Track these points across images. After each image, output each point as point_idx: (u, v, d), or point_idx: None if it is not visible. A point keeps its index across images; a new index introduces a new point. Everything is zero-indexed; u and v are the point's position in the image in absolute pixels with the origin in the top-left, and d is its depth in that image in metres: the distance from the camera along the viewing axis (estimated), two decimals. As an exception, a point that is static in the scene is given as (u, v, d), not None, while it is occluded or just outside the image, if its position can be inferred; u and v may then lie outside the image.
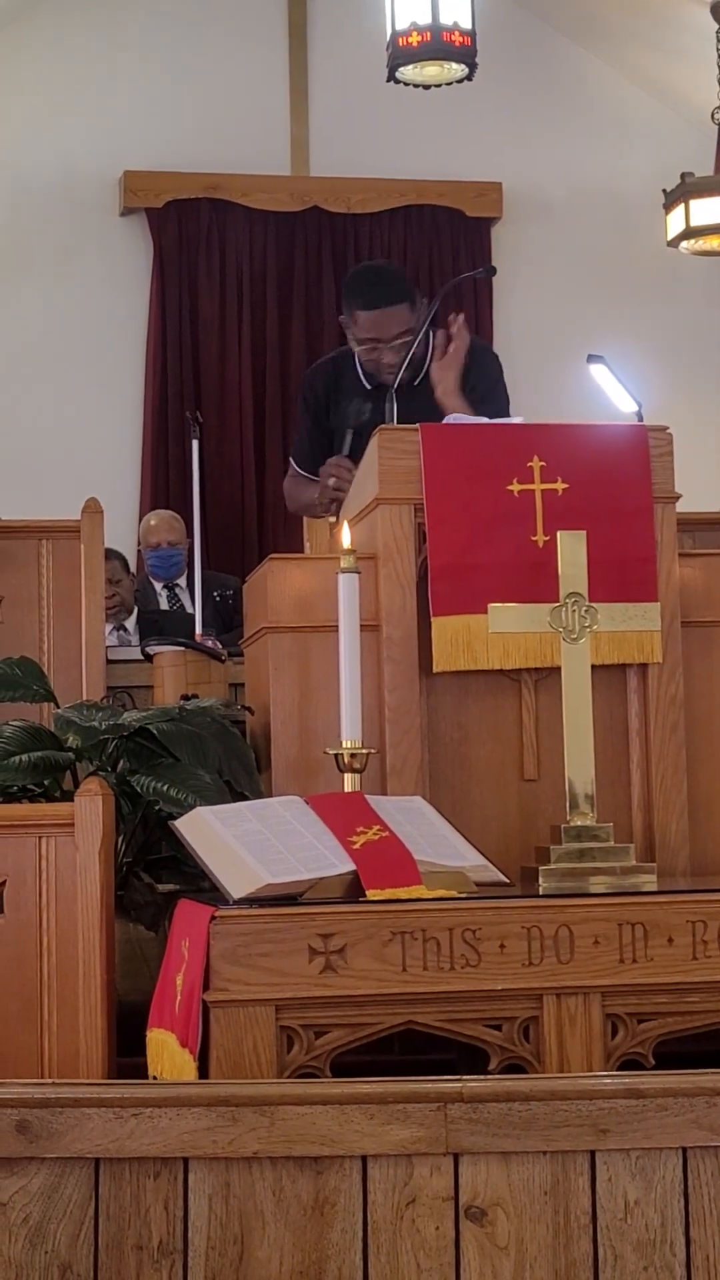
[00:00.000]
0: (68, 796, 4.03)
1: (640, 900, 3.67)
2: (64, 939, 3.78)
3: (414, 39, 6.76)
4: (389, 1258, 2.90)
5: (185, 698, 4.71)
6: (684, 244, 9.53)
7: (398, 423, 4.86)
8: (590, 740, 3.92)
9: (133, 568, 8.37)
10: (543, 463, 4.22)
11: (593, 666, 4.00)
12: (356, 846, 3.67)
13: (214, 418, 9.43)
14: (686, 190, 9.46)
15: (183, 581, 8.09)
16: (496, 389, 5.40)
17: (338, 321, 5.60)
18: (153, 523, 8.33)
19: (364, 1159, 2.93)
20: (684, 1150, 2.93)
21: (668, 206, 9.62)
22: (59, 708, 4.41)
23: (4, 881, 3.80)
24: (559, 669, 3.99)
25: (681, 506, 4.36)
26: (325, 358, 5.90)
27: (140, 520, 8.82)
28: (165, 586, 8.16)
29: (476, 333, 9.44)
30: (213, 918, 3.51)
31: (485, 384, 5.38)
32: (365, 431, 4.79)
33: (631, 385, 6.62)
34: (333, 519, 5.15)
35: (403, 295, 5.29)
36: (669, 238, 9.63)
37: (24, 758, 4.13)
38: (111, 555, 7.16)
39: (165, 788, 4.06)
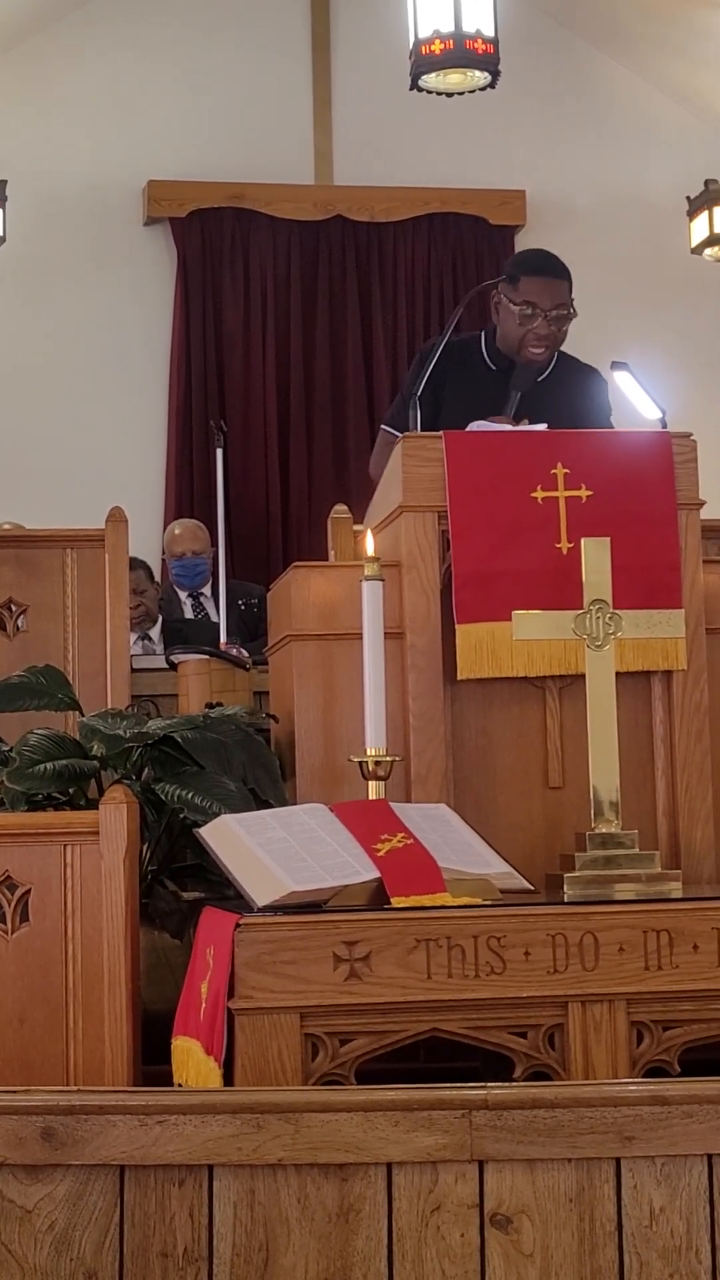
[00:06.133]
0: (92, 805, 4.04)
1: (665, 907, 3.67)
2: (89, 947, 3.78)
3: (437, 47, 6.77)
4: (414, 1265, 2.90)
5: (210, 706, 4.71)
6: (708, 251, 9.55)
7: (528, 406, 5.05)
8: (615, 747, 3.92)
9: (157, 577, 8.37)
10: (566, 470, 4.22)
11: (617, 673, 4.00)
12: (381, 854, 3.67)
13: (238, 426, 9.44)
14: (710, 197, 9.48)
15: (207, 590, 8.10)
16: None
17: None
18: (177, 532, 8.34)
19: (389, 1166, 2.93)
20: (709, 1157, 2.93)
21: (691, 213, 9.65)
22: (84, 716, 4.42)
23: (29, 889, 3.80)
24: (583, 676, 3.98)
25: (706, 513, 4.36)
26: (447, 335, 5.87)
27: (165, 529, 8.84)
28: (190, 595, 8.17)
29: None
30: (237, 925, 3.52)
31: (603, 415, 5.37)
32: (529, 396, 5.03)
33: (655, 392, 6.61)
34: None
35: (567, 275, 5.34)
36: (693, 245, 9.65)
37: (49, 766, 4.14)
38: (136, 564, 7.16)
39: (190, 795, 4.06)
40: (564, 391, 5.26)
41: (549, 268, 5.33)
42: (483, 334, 5.40)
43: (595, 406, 5.33)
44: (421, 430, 5.18)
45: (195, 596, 8.16)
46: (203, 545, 8.15)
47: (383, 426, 5.51)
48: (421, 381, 4.77)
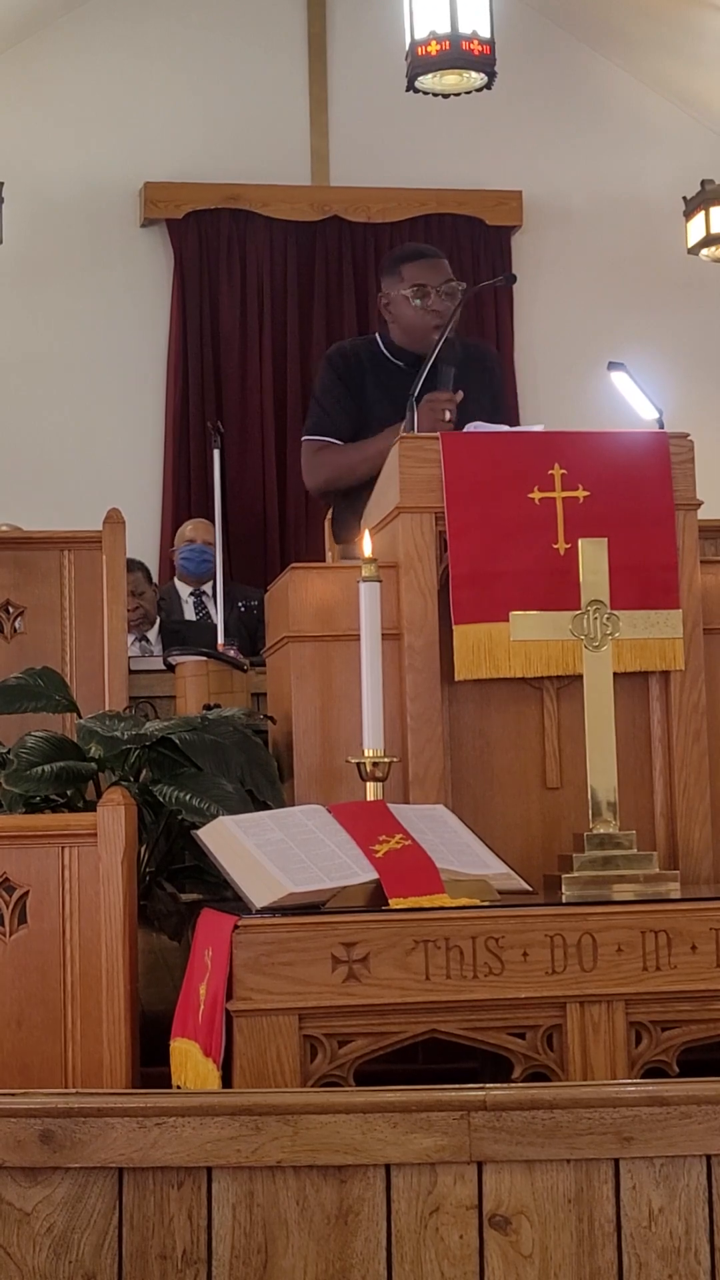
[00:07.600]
0: (90, 807, 4.04)
1: (663, 908, 3.67)
2: (87, 949, 3.78)
3: (433, 48, 6.78)
4: (413, 1266, 2.90)
5: (207, 707, 4.71)
6: (704, 251, 9.55)
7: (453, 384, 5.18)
8: (613, 748, 3.92)
9: (156, 578, 8.38)
10: (564, 470, 4.22)
11: (615, 674, 4.00)
12: (379, 855, 3.67)
13: (235, 427, 9.44)
14: (707, 197, 9.48)
15: (209, 588, 8.10)
16: (503, 399, 5.56)
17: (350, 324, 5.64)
18: (188, 524, 8.41)
19: (387, 1168, 2.93)
20: (708, 1158, 2.93)
21: (688, 214, 9.64)
22: (81, 718, 4.41)
23: (27, 891, 3.80)
24: (581, 677, 3.98)
25: (703, 513, 4.36)
26: (350, 340, 6.19)
27: (162, 530, 8.85)
28: (193, 594, 8.17)
29: (496, 342, 9.46)
30: (236, 927, 3.51)
31: (499, 395, 5.52)
32: (459, 370, 5.17)
33: (652, 392, 6.59)
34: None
35: (444, 255, 5.55)
36: (689, 245, 9.65)
37: (47, 768, 4.14)
38: (134, 566, 7.17)
39: (188, 797, 4.06)
40: (481, 372, 5.44)
41: (425, 251, 5.56)
42: (377, 337, 5.53)
43: (494, 380, 5.58)
44: (351, 432, 5.31)
45: (198, 595, 8.16)
46: (212, 538, 8.15)
47: (305, 438, 5.58)
48: (419, 383, 4.81)
